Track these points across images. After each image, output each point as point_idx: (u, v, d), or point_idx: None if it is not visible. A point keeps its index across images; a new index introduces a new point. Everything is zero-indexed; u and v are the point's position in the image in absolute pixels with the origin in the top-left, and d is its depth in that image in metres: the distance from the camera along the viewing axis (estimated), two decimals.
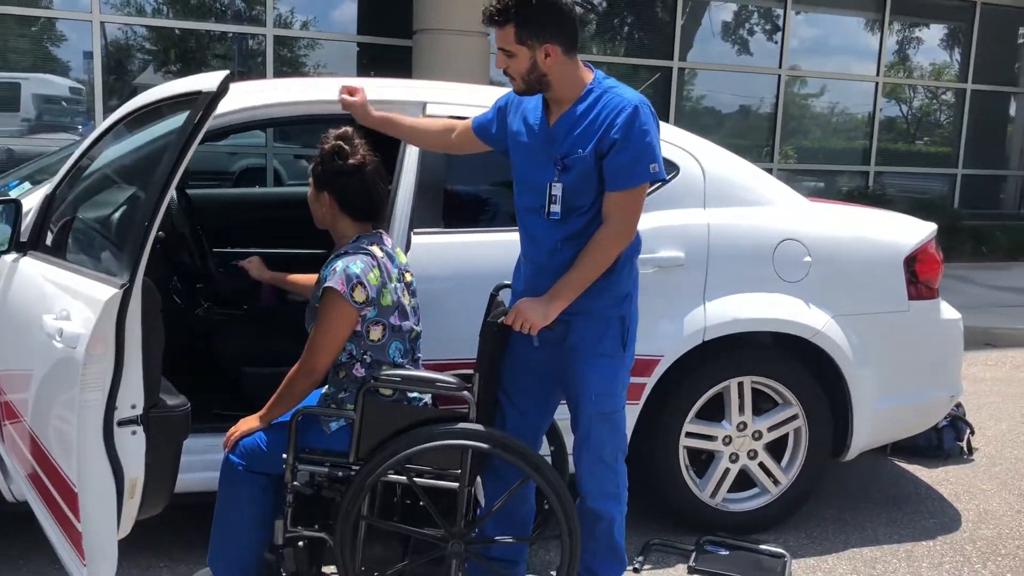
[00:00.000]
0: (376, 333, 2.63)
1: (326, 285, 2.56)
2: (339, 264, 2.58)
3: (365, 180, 2.69)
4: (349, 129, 2.73)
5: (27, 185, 3.18)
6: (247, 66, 9.45)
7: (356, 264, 2.57)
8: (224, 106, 2.97)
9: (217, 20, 9.53)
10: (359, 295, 2.56)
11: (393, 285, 2.66)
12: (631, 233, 2.57)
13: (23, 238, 2.81)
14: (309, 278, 3.15)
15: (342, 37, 9.76)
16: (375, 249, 2.66)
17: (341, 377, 2.68)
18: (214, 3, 9.65)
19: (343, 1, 10.03)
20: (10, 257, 2.79)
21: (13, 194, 3.09)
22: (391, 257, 2.71)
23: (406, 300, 2.72)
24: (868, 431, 3.61)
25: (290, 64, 9.72)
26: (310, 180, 2.74)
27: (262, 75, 9.09)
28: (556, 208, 2.58)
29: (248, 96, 3.16)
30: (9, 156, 8.54)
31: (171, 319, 2.42)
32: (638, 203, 2.55)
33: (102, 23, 8.57)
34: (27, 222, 2.84)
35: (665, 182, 2.51)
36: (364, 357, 2.65)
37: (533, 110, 2.66)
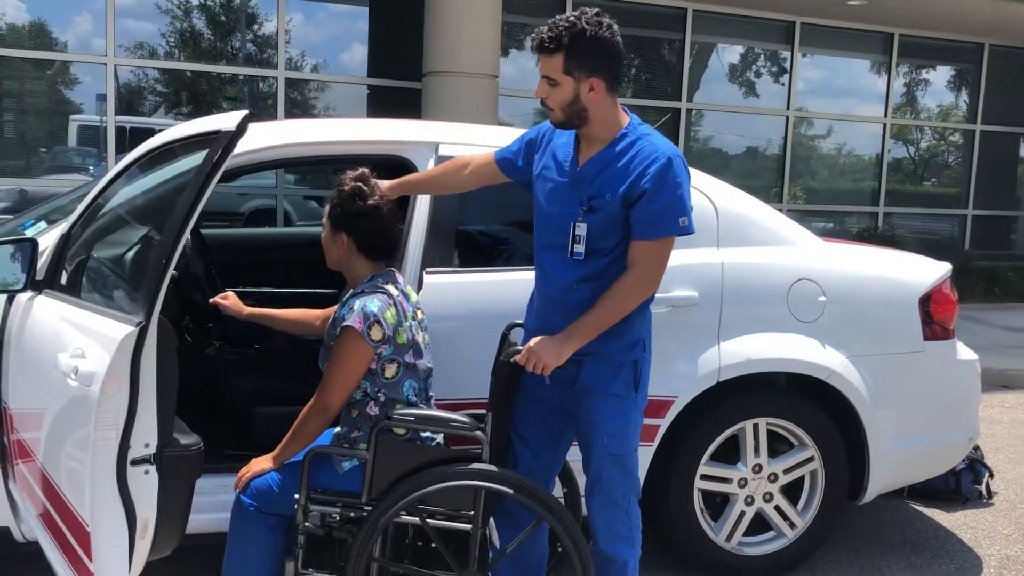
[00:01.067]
0: (391, 371, 2.63)
1: (344, 324, 2.56)
2: (356, 303, 2.59)
3: (383, 221, 2.71)
4: (366, 170, 2.75)
5: (43, 224, 3.19)
6: (258, 108, 9.54)
7: (373, 303, 2.58)
8: (242, 146, 3.01)
9: (229, 63, 9.65)
10: (376, 333, 2.56)
11: (408, 323, 2.67)
12: (656, 283, 2.55)
13: (39, 277, 2.81)
14: (293, 313, 3.15)
15: (352, 80, 9.86)
16: (391, 288, 2.67)
17: (354, 416, 2.67)
18: (226, 46, 9.78)
19: (353, 44, 10.15)
20: (26, 296, 2.79)
21: (29, 233, 3.10)
22: (406, 296, 2.72)
23: (420, 338, 2.72)
24: (885, 474, 3.57)
25: (300, 106, 9.82)
26: (325, 221, 2.76)
27: (273, 117, 9.18)
28: (580, 248, 2.56)
29: (263, 136, 3.18)
30: None
31: (183, 358, 2.41)
32: (665, 254, 2.53)
33: (116, 66, 8.68)
34: (43, 261, 2.84)
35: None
36: (378, 395, 2.64)
37: (563, 147, 2.65)
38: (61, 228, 2.93)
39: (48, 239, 2.93)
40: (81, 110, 9.21)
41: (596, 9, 2.49)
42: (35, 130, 9.15)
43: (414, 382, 2.68)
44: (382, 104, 9.65)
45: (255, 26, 9.71)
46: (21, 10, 8.88)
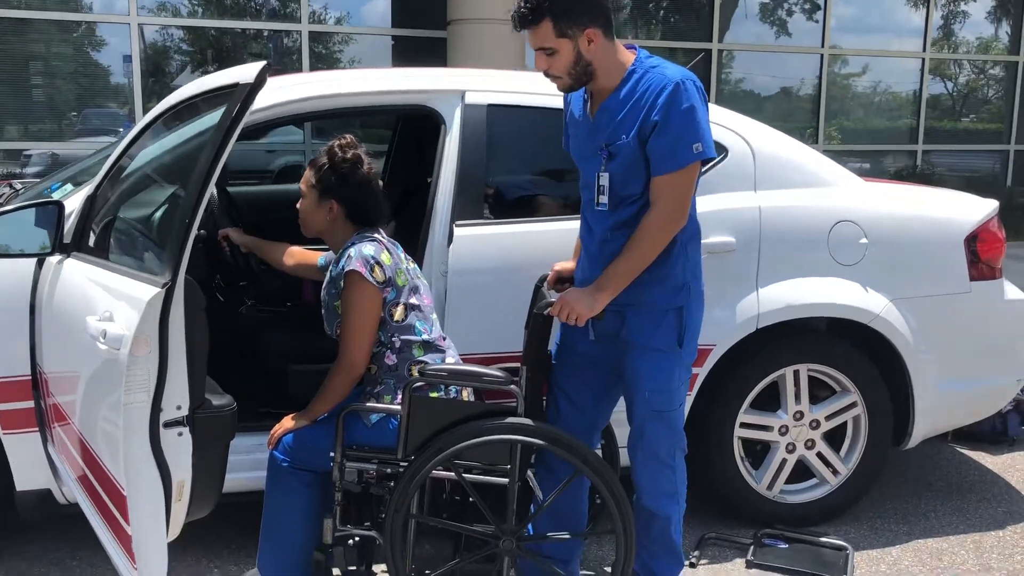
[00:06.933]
0: (398, 313, 2.64)
1: (347, 270, 2.57)
2: (352, 251, 2.60)
3: (374, 188, 2.72)
4: (351, 137, 2.73)
5: (69, 187, 3.16)
6: (283, 63, 9.45)
7: (368, 247, 2.60)
8: (263, 100, 2.96)
9: (252, 19, 9.55)
10: (379, 274, 2.58)
11: (404, 266, 2.69)
12: (681, 217, 2.44)
13: (66, 240, 2.79)
14: (293, 250, 3.16)
15: (376, 31, 9.72)
16: (377, 236, 2.69)
17: (373, 372, 2.66)
18: (249, 2, 9.67)
19: None
20: (54, 259, 2.77)
21: (56, 196, 3.07)
22: (394, 244, 2.74)
23: (418, 280, 2.74)
24: (930, 418, 3.49)
25: (325, 60, 9.72)
26: (308, 187, 2.72)
27: (298, 72, 9.09)
28: (604, 199, 2.50)
29: (286, 90, 3.13)
30: None
31: (215, 317, 2.39)
32: (686, 185, 2.43)
33: (140, 25, 8.62)
34: (70, 224, 2.82)
35: (711, 161, 2.39)
36: (392, 340, 2.64)
37: (577, 99, 2.59)
38: (87, 190, 2.90)
39: (75, 201, 2.90)
40: (109, 71, 9.18)
41: None
42: (64, 93, 9.15)
43: (422, 322, 2.68)
44: (407, 55, 9.52)
45: None
46: None
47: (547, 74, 2.47)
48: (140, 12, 8.60)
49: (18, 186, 3.68)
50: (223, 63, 9.40)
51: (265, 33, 9.57)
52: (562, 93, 2.59)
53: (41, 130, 8.93)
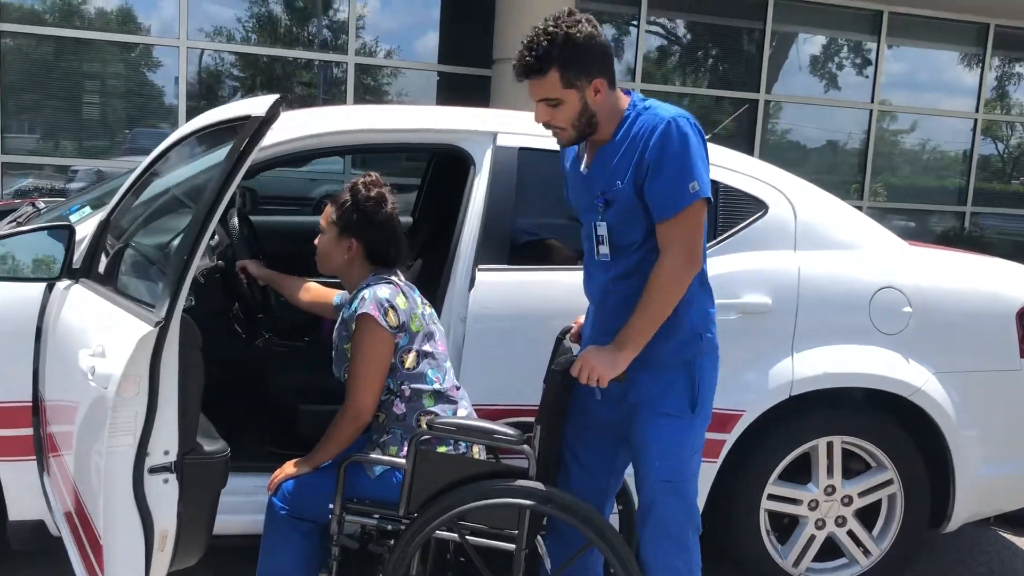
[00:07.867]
0: (410, 360, 2.54)
1: (360, 312, 2.48)
2: (366, 293, 2.52)
3: (396, 229, 2.65)
4: (375, 175, 2.67)
5: (87, 210, 3.11)
6: (330, 94, 9.50)
7: (383, 290, 2.52)
8: (297, 131, 2.88)
9: (303, 48, 9.62)
10: (392, 319, 2.49)
11: (420, 311, 2.59)
12: (693, 263, 2.29)
13: (76, 265, 2.71)
14: (310, 285, 3.10)
15: (421, 66, 9.74)
16: (394, 278, 2.61)
17: (381, 421, 2.56)
18: (300, 31, 9.76)
19: (425, 31, 10.05)
20: (63, 284, 2.70)
21: (72, 219, 3.01)
22: (411, 287, 2.65)
23: (434, 326, 2.64)
24: (972, 500, 3.28)
25: (373, 92, 9.74)
26: (329, 223, 2.65)
27: (343, 103, 9.12)
28: (604, 249, 2.39)
29: (318, 123, 3.07)
30: None
31: (229, 349, 2.29)
32: (693, 228, 2.27)
33: (188, 49, 8.71)
34: (81, 249, 2.75)
35: (711, 202, 2.27)
36: (402, 388, 2.53)
37: (570, 150, 2.51)
38: (101, 214, 2.84)
39: (88, 226, 2.83)
40: (158, 93, 9.28)
41: (566, 8, 2.31)
42: (116, 111, 9.25)
43: (435, 370, 2.57)
44: (452, 91, 9.51)
45: (330, 12, 9.67)
46: None
47: (548, 126, 2.36)
48: (191, 36, 8.70)
49: (41, 205, 3.65)
50: (271, 90, 9.47)
51: (316, 63, 9.62)
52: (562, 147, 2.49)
53: (91, 147, 9.03)
